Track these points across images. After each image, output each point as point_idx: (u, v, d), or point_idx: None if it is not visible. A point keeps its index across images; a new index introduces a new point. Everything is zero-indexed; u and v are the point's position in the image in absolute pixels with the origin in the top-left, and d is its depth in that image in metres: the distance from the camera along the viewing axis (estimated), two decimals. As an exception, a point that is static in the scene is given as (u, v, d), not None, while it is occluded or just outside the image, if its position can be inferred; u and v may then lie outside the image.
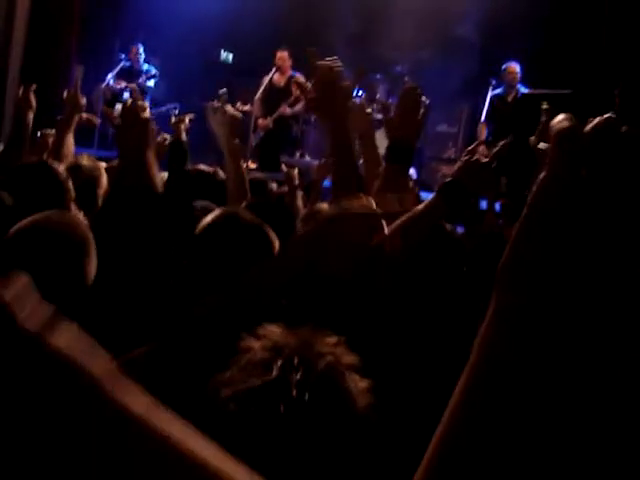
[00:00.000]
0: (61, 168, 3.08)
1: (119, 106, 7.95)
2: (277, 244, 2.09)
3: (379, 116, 10.16)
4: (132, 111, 2.48)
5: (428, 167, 9.87)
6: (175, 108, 9.53)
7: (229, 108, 3.38)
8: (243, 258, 1.96)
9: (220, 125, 3.37)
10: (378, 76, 10.40)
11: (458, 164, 2.28)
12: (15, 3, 9.28)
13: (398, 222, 2.06)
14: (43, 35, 9.38)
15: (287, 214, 3.18)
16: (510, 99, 8.57)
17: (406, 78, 10.23)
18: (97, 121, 5.02)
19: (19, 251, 2.03)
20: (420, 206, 2.16)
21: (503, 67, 8.57)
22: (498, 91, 8.67)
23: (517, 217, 0.66)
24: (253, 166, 9.00)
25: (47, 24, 9.40)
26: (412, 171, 9.31)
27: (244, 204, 3.03)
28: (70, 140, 4.07)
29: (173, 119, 4.54)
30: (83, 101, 4.11)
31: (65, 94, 4.08)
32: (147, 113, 2.52)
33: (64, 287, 1.98)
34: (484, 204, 4.14)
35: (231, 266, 1.95)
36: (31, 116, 3.92)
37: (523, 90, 8.53)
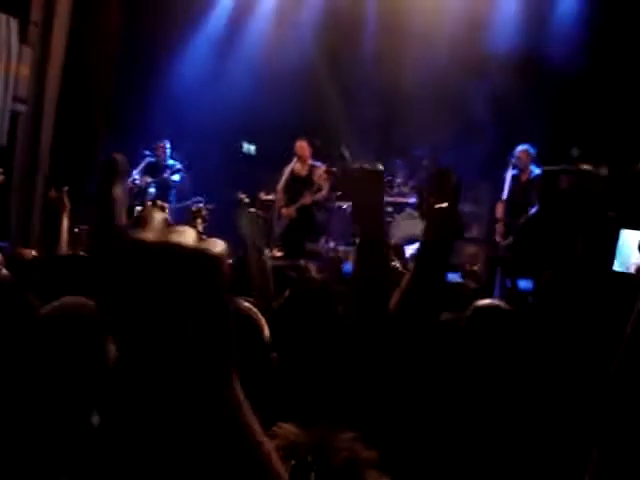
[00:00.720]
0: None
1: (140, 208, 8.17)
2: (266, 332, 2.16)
3: (400, 199, 10.31)
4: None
5: (454, 248, 9.87)
6: (200, 201, 9.69)
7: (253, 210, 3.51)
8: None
9: (249, 223, 3.49)
10: (397, 161, 10.55)
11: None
12: (42, 104, 9.63)
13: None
14: (70, 134, 9.69)
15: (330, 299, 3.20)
16: (524, 179, 8.70)
17: (425, 161, 10.38)
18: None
19: (48, 333, 2.10)
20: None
21: (515, 151, 8.72)
22: (515, 172, 8.79)
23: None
24: (278, 254, 9.08)
25: (74, 123, 9.71)
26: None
27: (287, 293, 3.10)
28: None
29: (193, 208, 4.63)
30: (67, 203, 4.22)
31: (51, 193, 4.20)
32: (166, 214, 2.60)
33: (88, 367, 2.05)
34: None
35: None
36: (65, 217, 4.05)
37: (537, 171, 8.65)
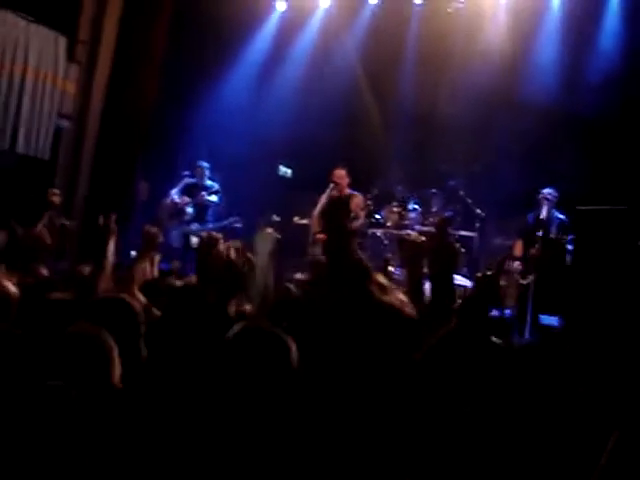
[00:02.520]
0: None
1: (195, 239, 8.30)
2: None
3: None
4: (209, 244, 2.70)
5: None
6: (237, 222, 9.81)
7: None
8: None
9: (263, 241, 3.67)
10: (434, 190, 10.59)
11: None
12: (86, 121, 9.80)
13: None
14: (110, 154, 9.84)
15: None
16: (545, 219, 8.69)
17: (461, 192, 10.42)
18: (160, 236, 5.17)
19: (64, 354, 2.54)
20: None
21: (540, 194, 8.76)
22: (536, 212, 8.80)
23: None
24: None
25: (114, 144, 9.86)
26: (469, 283, 9.35)
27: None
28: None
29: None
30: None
31: (100, 220, 4.31)
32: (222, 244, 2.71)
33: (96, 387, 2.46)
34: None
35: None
36: (112, 241, 4.15)
37: (560, 216, 8.65)
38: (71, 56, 9.54)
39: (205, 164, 10.08)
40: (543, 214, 8.62)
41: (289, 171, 11.85)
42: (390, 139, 11.22)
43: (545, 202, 8.65)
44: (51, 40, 9.25)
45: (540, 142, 10.11)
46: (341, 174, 9.22)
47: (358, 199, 9.26)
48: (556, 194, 8.72)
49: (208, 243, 3.35)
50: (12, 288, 3.36)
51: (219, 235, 2.82)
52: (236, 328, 2.43)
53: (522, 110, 10.10)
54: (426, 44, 10.86)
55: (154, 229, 4.38)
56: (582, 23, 10.23)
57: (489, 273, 2.61)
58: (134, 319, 3.20)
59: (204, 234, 2.86)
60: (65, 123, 9.62)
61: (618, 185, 8.67)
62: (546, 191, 8.73)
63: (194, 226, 9.76)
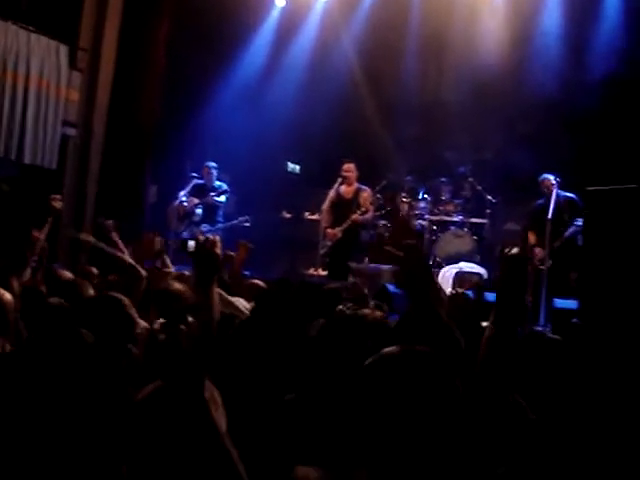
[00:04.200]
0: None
1: (192, 243, 8.29)
2: None
3: (444, 218, 10.30)
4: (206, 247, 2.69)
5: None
6: (246, 221, 9.80)
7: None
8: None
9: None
10: (443, 179, 10.55)
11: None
12: (92, 128, 9.82)
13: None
14: (118, 159, 9.85)
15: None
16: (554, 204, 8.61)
17: (470, 179, 10.37)
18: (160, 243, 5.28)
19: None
20: None
21: (539, 179, 8.69)
22: (540, 201, 8.73)
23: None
24: (323, 274, 9.14)
25: (121, 149, 9.88)
26: (483, 270, 9.31)
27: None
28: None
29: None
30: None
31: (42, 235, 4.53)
32: (219, 248, 2.70)
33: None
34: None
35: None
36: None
37: (569, 195, 8.58)
38: (73, 64, 9.54)
39: (212, 164, 10.07)
40: (552, 200, 8.57)
41: (297, 167, 11.83)
42: (396, 130, 11.17)
43: (552, 187, 8.59)
44: (52, 49, 9.26)
45: (547, 126, 10.05)
46: (350, 168, 9.20)
47: (367, 193, 9.25)
48: (553, 180, 8.64)
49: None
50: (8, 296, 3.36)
51: (217, 237, 2.77)
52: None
53: (528, 94, 10.05)
54: (427, 32, 10.82)
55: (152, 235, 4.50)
56: (585, 1, 10.17)
57: (515, 252, 2.42)
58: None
59: (201, 237, 2.84)
60: (71, 131, 9.62)
61: (627, 167, 8.59)
62: (548, 176, 8.66)
63: (204, 227, 9.76)
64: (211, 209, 10.00)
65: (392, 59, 11.04)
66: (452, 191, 10.47)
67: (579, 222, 8.03)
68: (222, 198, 10.05)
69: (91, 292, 4.10)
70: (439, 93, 11.07)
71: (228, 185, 10.14)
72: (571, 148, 9.60)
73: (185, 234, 9.73)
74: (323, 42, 11.25)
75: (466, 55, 10.53)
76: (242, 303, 4.01)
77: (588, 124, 9.72)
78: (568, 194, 8.57)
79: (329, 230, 9.18)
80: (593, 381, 2.78)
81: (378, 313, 3.26)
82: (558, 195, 8.49)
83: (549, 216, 8.31)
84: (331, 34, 11.23)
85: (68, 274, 4.58)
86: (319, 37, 11.31)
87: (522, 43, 10.39)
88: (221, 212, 10.05)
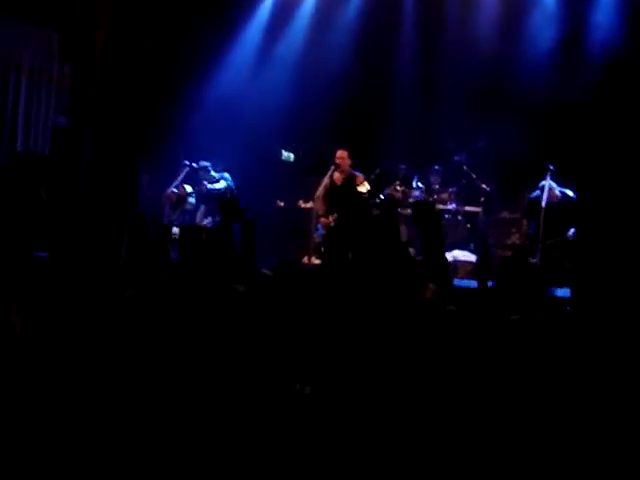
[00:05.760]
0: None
1: (176, 229, 8.29)
2: None
3: (440, 206, 10.27)
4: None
5: (494, 254, 9.78)
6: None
7: None
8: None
9: None
10: (436, 167, 10.50)
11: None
12: (83, 116, 9.76)
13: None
14: (110, 149, 9.81)
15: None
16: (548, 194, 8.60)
17: (465, 167, 10.34)
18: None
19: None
20: None
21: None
22: (537, 193, 8.71)
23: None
24: (317, 262, 9.10)
25: (113, 138, 9.83)
26: (473, 257, 9.28)
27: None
28: None
29: None
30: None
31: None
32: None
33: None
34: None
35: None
36: None
37: (566, 192, 8.57)
38: (64, 53, 9.49)
39: (206, 163, 10.01)
40: (546, 189, 8.56)
41: (292, 155, 11.78)
42: (391, 117, 11.11)
43: (547, 176, 8.58)
44: (44, 38, 9.22)
45: (543, 113, 10.00)
46: (343, 155, 9.18)
47: (360, 180, 9.20)
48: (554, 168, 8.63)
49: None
50: None
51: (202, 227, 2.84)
52: None
53: (524, 82, 10.00)
54: (421, 20, 10.79)
55: None
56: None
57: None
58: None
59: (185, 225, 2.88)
60: (62, 119, 9.58)
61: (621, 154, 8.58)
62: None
63: (208, 220, 9.68)
64: (206, 197, 9.92)
65: (386, 47, 10.99)
66: (445, 179, 10.43)
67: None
68: (217, 185, 9.96)
69: None
70: (435, 79, 11.02)
71: (221, 172, 10.08)
72: (566, 136, 9.55)
73: (176, 222, 9.68)
74: (316, 30, 11.18)
75: (461, 41, 10.47)
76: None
77: (583, 112, 9.66)
78: (565, 190, 8.59)
79: (323, 218, 9.15)
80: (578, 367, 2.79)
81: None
82: (551, 187, 8.50)
83: (543, 204, 8.33)
84: (325, 21, 11.15)
85: None
86: (313, 23, 11.22)
87: (517, 29, 10.34)
88: (215, 200, 9.98)
